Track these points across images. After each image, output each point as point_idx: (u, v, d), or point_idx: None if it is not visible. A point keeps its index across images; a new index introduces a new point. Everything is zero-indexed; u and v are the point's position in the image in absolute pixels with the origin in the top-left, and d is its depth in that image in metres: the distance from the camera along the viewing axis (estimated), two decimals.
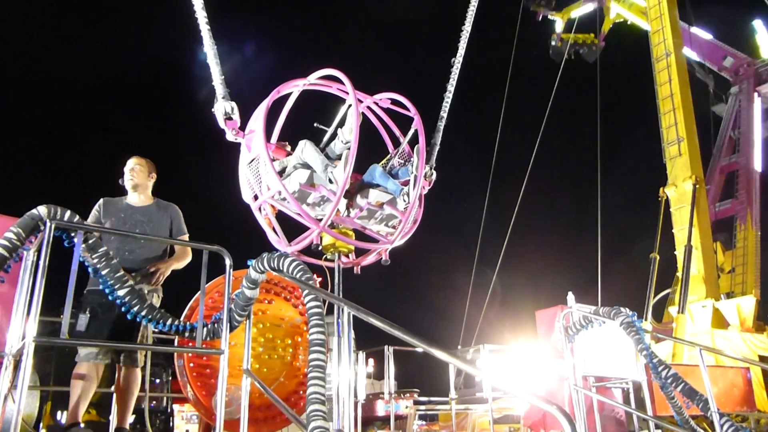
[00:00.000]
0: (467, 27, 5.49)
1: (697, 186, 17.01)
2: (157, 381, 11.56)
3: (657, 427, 6.63)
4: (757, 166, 22.86)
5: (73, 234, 3.45)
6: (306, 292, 3.13)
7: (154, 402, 11.20)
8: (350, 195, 4.63)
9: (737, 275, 20.31)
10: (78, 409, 4.25)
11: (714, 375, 8.61)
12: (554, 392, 7.30)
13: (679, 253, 16.78)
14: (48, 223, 3.29)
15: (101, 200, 4.80)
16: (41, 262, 3.21)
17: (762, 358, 13.43)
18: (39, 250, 3.32)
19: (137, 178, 4.89)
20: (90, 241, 3.54)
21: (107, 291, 3.61)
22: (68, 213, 3.42)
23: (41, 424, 8.16)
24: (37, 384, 7.23)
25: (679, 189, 17.35)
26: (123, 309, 3.66)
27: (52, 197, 3.49)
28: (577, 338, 6.57)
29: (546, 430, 7.19)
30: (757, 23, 25.51)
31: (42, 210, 3.37)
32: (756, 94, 24.58)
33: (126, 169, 4.91)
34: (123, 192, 4.97)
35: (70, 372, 4.34)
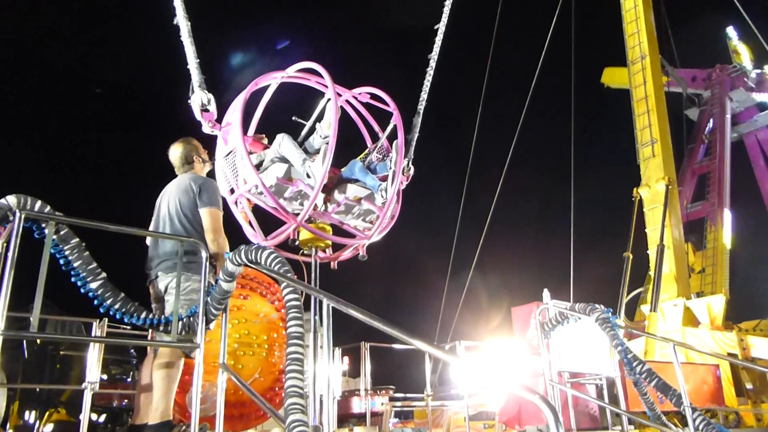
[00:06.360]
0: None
1: (670, 187, 17.28)
2: (128, 380, 11.35)
3: (630, 422, 6.71)
4: (728, 169, 23.36)
5: (44, 225, 3.36)
6: (284, 284, 3.09)
7: (126, 400, 10.99)
8: (328, 190, 4.61)
9: (707, 275, 20.73)
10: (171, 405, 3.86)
11: (685, 372, 8.71)
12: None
13: (652, 252, 17.04)
14: (17, 214, 3.20)
15: None
16: (10, 254, 3.12)
17: (730, 356, 13.72)
18: (8, 242, 3.22)
19: None
20: (61, 233, 3.44)
21: (79, 284, 3.53)
22: (39, 203, 3.33)
23: (8, 424, 7.96)
24: (4, 382, 7.04)
25: (652, 189, 17.61)
26: (95, 302, 3.58)
27: (22, 187, 3.38)
28: (552, 334, 6.63)
29: (521, 426, 7.23)
30: (731, 30, 26.45)
31: (11, 200, 3.27)
32: (728, 99, 25.18)
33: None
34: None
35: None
